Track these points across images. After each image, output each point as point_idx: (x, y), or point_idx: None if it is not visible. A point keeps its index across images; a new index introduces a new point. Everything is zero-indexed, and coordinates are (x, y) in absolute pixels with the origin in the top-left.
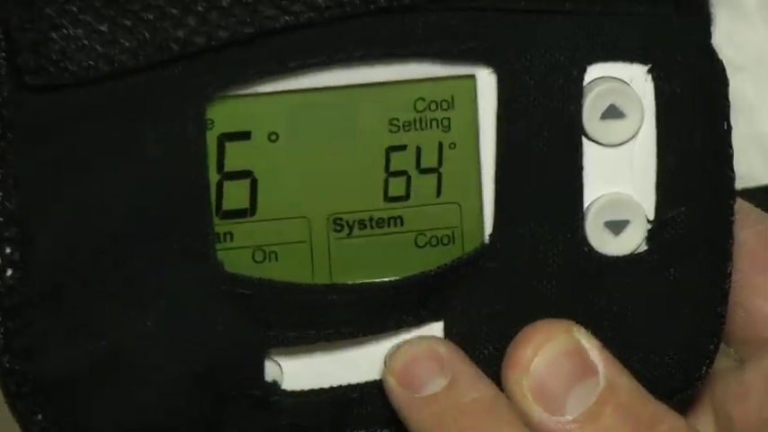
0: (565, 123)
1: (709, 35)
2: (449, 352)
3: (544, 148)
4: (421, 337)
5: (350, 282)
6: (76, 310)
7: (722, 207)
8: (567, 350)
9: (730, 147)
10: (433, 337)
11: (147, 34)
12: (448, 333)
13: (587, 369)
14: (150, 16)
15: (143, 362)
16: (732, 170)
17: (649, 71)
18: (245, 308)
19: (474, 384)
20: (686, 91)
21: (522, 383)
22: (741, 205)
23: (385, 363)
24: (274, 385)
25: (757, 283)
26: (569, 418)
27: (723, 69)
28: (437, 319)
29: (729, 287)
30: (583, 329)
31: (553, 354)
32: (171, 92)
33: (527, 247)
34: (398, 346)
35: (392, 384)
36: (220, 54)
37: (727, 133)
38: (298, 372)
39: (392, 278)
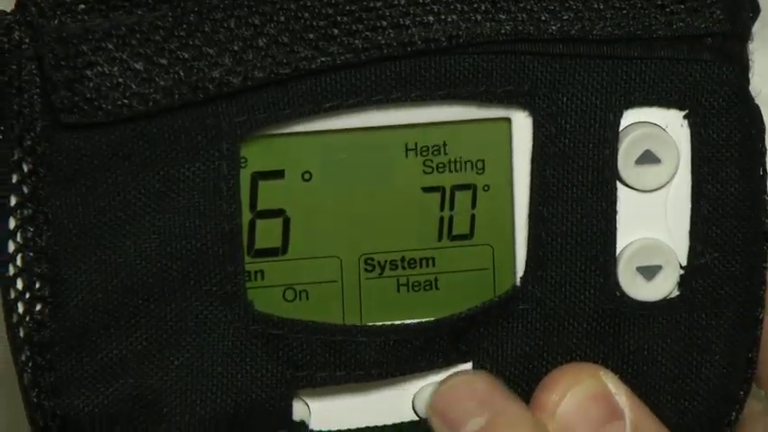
0: (599, 168)
1: (746, 81)
2: (487, 388)
3: (578, 192)
4: (462, 373)
5: (380, 323)
6: (105, 349)
7: (756, 254)
8: (593, 394)
9: (765, 193)
10: (475, 373)
11: (182, 73)
12: None
13: (614, 413)
14: (186, 55)
15: (170, 402)
16: (766, 217)
17: (686, 117)
18: (274, 348)
19: (513, 424)
20: (722, 137)
21: (548, 427)
22: None
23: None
24: (302, 426)
25: None
26: None
27: (760, 115)
28: (466, 361)
29: (761, 333)
30: (610, 373)
31: (580, 398)
32: (205, 131)
33: (558, 291)
34: (442, 382)
35: (435, 423)
36: (256, 94)
37: (762, 180)
38: (326, 412)
39: (423, 320)
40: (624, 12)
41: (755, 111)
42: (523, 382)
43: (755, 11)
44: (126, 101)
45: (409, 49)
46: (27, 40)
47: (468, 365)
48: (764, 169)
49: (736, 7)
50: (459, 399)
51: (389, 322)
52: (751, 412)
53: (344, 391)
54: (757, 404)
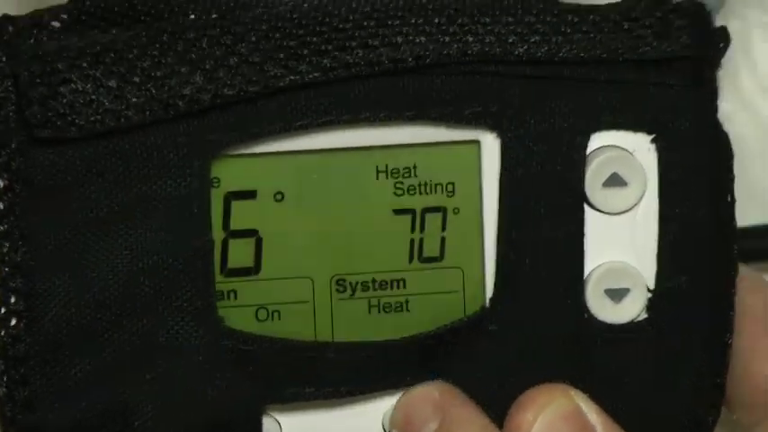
0: (567, 190)
1: (714, 107)
2: (442, 395)
3: (546, 214)
4: (420, 384)
5: (352, 340)
6: (78, 363)
7: (723, 279)
8: (565, 413)
9: (733, 219)
10: (433, 382)
11: (154, 91)
12: None
13: (586, 431)
14: (159, 73)
15: (142, 416)
16: (734, 242)
17: (653, 141)
18: (244, 364)
19: (464, 427)
20: (690, 162)
21: None
22: (748, 272)
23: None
24: None
25: (763, 347)
26: None
27: (728, 141)
28: (436, 379)
29: (729, 359)
30: (581, 393)
31: (552, 417)
32: (177, 148)
33: (527, 312)
34: (402, 395)
35: None
36: (227, 112)
37: (730, 206)
38: (296, 428)
39: (393, 337)
40: (591, 36)
41: (723, 137)
42: (493, 403)
43: (726, 41)
44: (99, 117)
45: (376, 68)
46: (3, 59)
47: None
48: (732, 196)
49: (705, 33)
50: (415, 407)
51: (359, 340)
52: None
53: (315, 408)
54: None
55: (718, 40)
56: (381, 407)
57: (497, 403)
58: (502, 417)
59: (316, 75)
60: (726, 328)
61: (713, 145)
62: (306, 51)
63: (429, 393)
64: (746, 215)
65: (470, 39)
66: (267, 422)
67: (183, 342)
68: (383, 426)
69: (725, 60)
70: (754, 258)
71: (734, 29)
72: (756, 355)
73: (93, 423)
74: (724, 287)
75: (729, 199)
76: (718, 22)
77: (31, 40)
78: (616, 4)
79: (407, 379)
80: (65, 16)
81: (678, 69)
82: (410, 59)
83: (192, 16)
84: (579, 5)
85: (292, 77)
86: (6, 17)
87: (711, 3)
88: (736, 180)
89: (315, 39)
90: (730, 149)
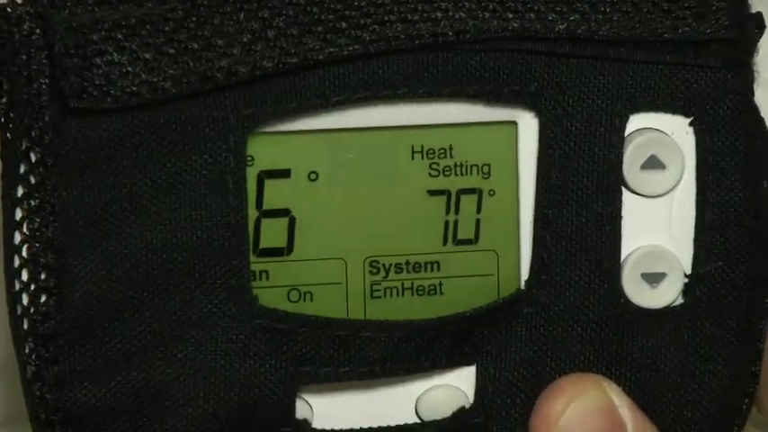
0: (605, 172)
1: (752, 92)
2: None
3: (583, 197)
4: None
5: (386, 319)
6: (109, 341)
7: (760, 264)
8: (597, 406)
9: None
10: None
11: (191, 63)
12: (480, 377)
13: (616, 426)
14: (195, 46)
15: (173, 396)
16: None
17: (691, 124)
18: (278, 343)
19: None
20: (727, 145)
21: None
22: None
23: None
24: (304, 423)
25: None
26: None
27: (765, 126)
28: (470, 363)
29: (764, 346)
30: (614, 385)
31: (583, 409)
32: (213, 123)
33: (563, 295)
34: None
35: None
36: (264, 85)
37: (766, 191)
38: (328, 411)
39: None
40: (631, 15)
41: (761, 121)
42: (526, 387)
43: (761, 26)
44: (135, 88)
45: (417, 42)
46: (37, 31)
47: (472, 368)
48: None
49: (743, 17)
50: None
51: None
52: None
53: (347, 391)
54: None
55: (755, 24)
56: (415, 391)
57: (530, 387)
58: (534, 401)
59: (355, 48)
60: (762, 314)
61: (750, 129)
62: (344, 25)
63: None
64: None
65: (510, 15)
66: (299, 404)
67: (216, 320)
68: (415, 409)
69: None
70: None
71: None
72: None
73: (124, 402)
74: (761, 272)
75: (766, 184)
76: None
77: (66, 12)
78: None
79: (442, 361)
80: None
81: (717, 52)
82: (450, 34)
83: None
84: None
85: (331, 50)
86: None
87: None
88: None
89: (354, 12)
90: (766, 133)
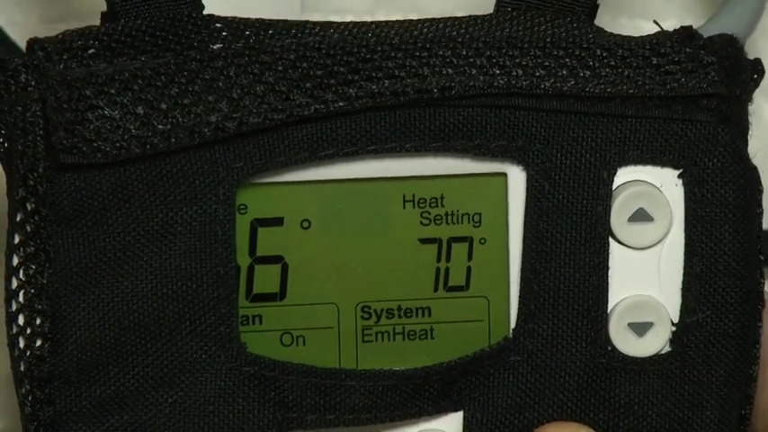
0: (592, 224)
1: (744, 142)
2: None
3: (571, 248)
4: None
5: (376, 368)
6: (102, 385)
7: (749, 313)
8: None
9: (761, 253)
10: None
11: (180, 118)
12: (467, 423)
13: None
14: (186, 101)
15: None
16: (761, 277)
17: (680, 176)
18: (266, 389)
19: None
20: (717, 197)
21: None
22: None
23: None
24: None
25: None
26: None
27: (757, 176)
28: (457, 410)
29: (755, 391)
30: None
31: None
32: (203, 175)
33: (550, 344)
34: None
35: None
36: (252, 140)
37: (758, 240)
38: None
39: (415, 366)
40: (619, 70)
41: (752, 172)
42: None
43: (759, 72)
44: (125, 143)
45: (402, 98)
46: (33, 83)
47: (459, 414)
48: (761, 229)
49: (735, 69)
50: None
51: (380, 368)
52: None
53: None
54: None
55: (750, 74)
56: None
57: None
58: None
59: (341, 104)
60: (751, 361)
61: (741, 181)
62: (332, 81)
63: None
64: None
65: (497, 71)
66: None
67: (205, 367)
68: None
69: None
70: None
71: None
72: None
73: None
74: (749, 321)
75: (757, 233)
76: None
77: (61, 66)
78: (647, 37)
79: (429, 408)
80: (95, 42)
81: (706, 106)
82: (435, 90)
83: (219, 45)
84: (611, 37)
85: (317, 106)
86: (36, 40)
87: (740, 35)
88: None
89: (342, 69)
90: (759, 184)
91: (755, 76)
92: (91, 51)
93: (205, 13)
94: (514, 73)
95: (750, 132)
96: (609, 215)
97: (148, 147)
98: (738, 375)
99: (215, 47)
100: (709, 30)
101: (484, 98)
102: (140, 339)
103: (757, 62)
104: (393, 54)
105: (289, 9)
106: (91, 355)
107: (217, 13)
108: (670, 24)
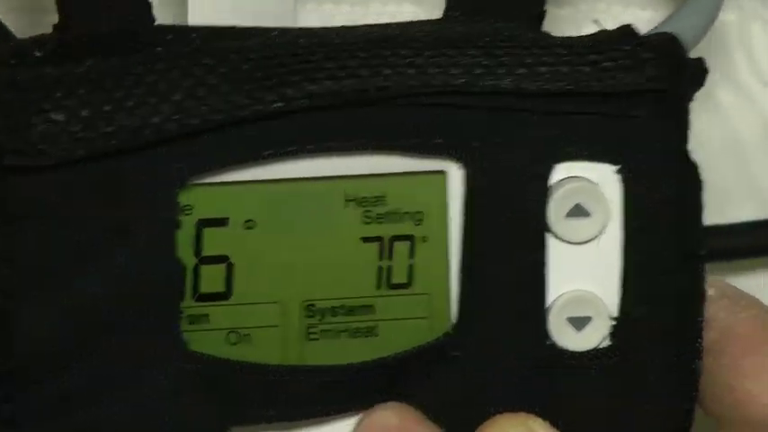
0: (530, 220)
1: (684, 138)
2: (402, 420)
3: (509, 244)
4: (380, 406)
5: (313, 363)
6: (53, 384)
7: (689, 308)
8: None
9: (703, 247)
10: (390, 405)
11: (124, 120)
12: None
13: None
14: (130, 103)
15: None
16: (702, 271)
17: (618, 172)
18: (208, 387)
19: None
20: (655, 192)
21: None
22: (732, 290)
23: None
24: None
25: (746, 366)
26: None
27: (697, 172)
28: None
29: (697, 384)
30: (539, 420)
31: None
32: (146, 176)
33: (490, 339)
34: (359, 421)
35: None
36: (195, 141)
37: (700, 233)
38: None
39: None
40: (556, 68)
41: (691, 168)
42: (455, 427)
43: (703, 71)
44: (69, 146)
45: (340, 99)
46: None
47: None
48: (700, 224)
49: (676, 66)
50: None
51: (328, 363)
52: None
53: (279, 429)
54: None
55: (692, 72)
56: (345, 427)
57: (461, 429)
58: None
59: (279, 105)
60: (693, 355)
61: (681, 176)
62: (272, 82)
63: (387, 419)
64: (745, 210)
65: (435, 71)
66: None
67: (152, 366)
68: None
69: (724, 53)
70: (750, 254)
71: (732, 20)
72: (739, 372)
73: None
74: (690, 315)
75: (698, 227)
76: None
77: (6, 69)
78: (587, 36)
79: (371, 403)
80: (48, 46)
81: (645, 102)
82: (372, 90)
83: (160, 48)
84: (549, 37)
85: (257, 107)
86: None
87: (687, 37)
88: (734, 175)
89: (282, 70)
90: (699, 181)
91: (697, 75)
92: (39, 55)
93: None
94: (452, 72)
95: (708, 121)
96: (545, 211)
97: (93, 149)
98: (679, 370)
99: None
100: (661, 30)
101: (422, 97)
102: (86, 340)
103: (700, 61)
104: (333, 55)
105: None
106: (42, 355)
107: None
108: (648, 15)
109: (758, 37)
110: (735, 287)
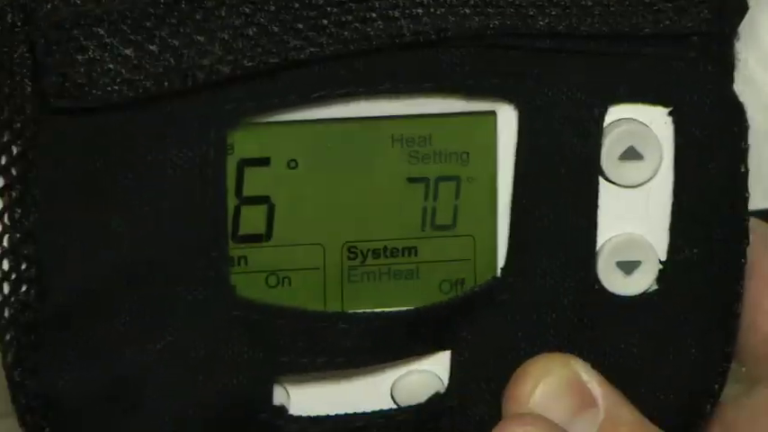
0: (583, 162)
1: (731, 80)
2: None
3: (561, 186)
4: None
5: (361, 310)
6: (89, 331)
7: (734, 250)
8: (565, 383)
9: (746, 190)
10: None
11: (172, 61)
12: (455, 362)
13: (587, 401)
14: (177, 42)
15: (153, 385)
16: (746, 212)
17: (670, 114)
18: (256, 333)
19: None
20: (705, 135)
21: None
22: (761, 227)
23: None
24: (281, 410)
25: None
26: None
27: (743, 114)
28: (445, 349)
29: (738, 328)
30: (581, 362)
31: (552, 387)
32: (194, 117)
33: (538, 282)
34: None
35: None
36: (245, 83)
37: (744, 177)
38: (305, 398)
39: (404, 308)
40: (611, 9)
41: (739, 109)
42: (500, 372)
43: (743, 10)
44: (116, 87)
45: (398, 41)
46: (19, 24)
47: (447, 354)
48: (746, 167)
49: (724, 7)
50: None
51: (371, 310)
52: (732, 393)
53: (324, 378)
54: (738, 386)
55: (736, 12)
56: (390, 377)
57: (505, 372)
58: None
59: (337, 47)
60: (735, 298)
61: (728, 118)
62: (326, 22)
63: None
64: (752, 198)
65: (491, 11)
66: (277, 392)
67: (195, 311)
68: (391, 395)
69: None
70: None
71: None
72: (761, 309)
73: (105, 390)
74: (734, 258)
75: (743, 170)
76: None
77: (48, 6)
78: None
79: (419, 349)
80: None
81: (696, 44)
82: (431, 32)
83: None
84: None
85: (312, 50)
86: None
87: None
88: None
89: (335, 9)
90: (745, 122)
91: (739, 14)
92: None
93: None
94: (508, 12)
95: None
96: (599, 153)
97: (141, 90)
98: (722, 313)
99: None
100: None
101: (477, 38)
102: (129, 284)
103: (739, 1)
104: None
105: None
106: (78, 301)
107: None
108: None
109: (765, 22)
110: (764, 224)
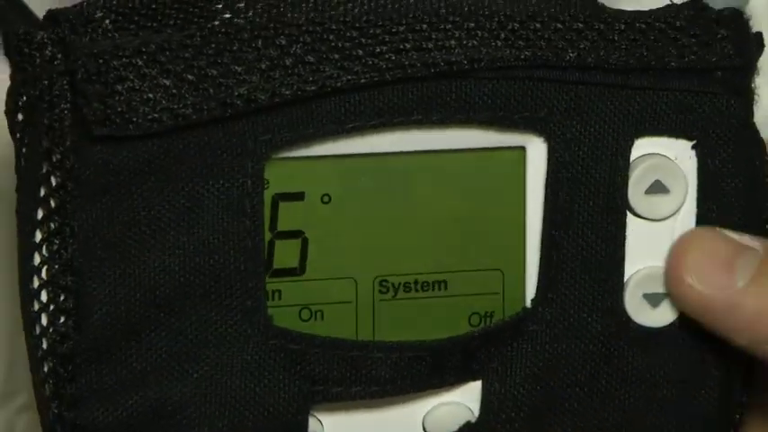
0: (611, 195)
1: (751, 113)
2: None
3: (589, 218)
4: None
5: (394, 340)
6: (126, 361)
7: None
8: (722, 237)
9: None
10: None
11: (210, 90)
12: (486, 393)
13: (743, 247)
14: (214, 72)
15: (189, 415)
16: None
17: (693, 147)
18: (292, 362)
19: None
20: (728, 168)
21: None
22: None
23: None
24: None
25: None
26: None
27: (764, 146)
28: (476, 379)
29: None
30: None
31: (709, 239)
32: (231, 149)
33: (567, 313)
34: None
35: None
36: (281, 112)
37: (765, 209)
38: (338, 427)
39: (435, 338)
40: (639, 43)
41: (760, 142)
42: (530, 401)
43: (761, 46)
44: (156, 115)
45: (432, 70)
46: (59, 56)
47: (478, 384)
48: (766, 199)
49: (745, 42)
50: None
51: (404, 340)
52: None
53: (357, 408)
54: None
55: (755, 47)
56: (421, 407)
57: (535, 402)
58: (539, 417)
59: (372, 75)
60: None
61: (749, 150)
62: (361, 52)
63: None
64: None
65: (522, 44)
66: (311, 421)
67: (232, 341)
68: (423, 425)
69: None
70: None
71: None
72: None
73: (140, 421)
74: None
75: (765, 202)
76: None
77: (86, 39)
78: (659, 10)
79: (451, 378)
80: (116, 15)
81: (720, 78)
82: (465, 62)
83: (228, 15)
84: (622, 11)
85: (348, 77)
86: (57, 12)
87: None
88: None
89: (369, 41)
90: (765, 153)
91: (757, 49)
92: (114, 24)
93: None
94: (539, 45)
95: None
96: (627, 186)
97: (180, 118)
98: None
99: (225, 16)
100: (715, 2)
101: (508, 70)
102: (165, 314)
103: (759, 35)
104: (418, 26)
105: None
106: (115, 332)
107: None
108: None
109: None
110: None
